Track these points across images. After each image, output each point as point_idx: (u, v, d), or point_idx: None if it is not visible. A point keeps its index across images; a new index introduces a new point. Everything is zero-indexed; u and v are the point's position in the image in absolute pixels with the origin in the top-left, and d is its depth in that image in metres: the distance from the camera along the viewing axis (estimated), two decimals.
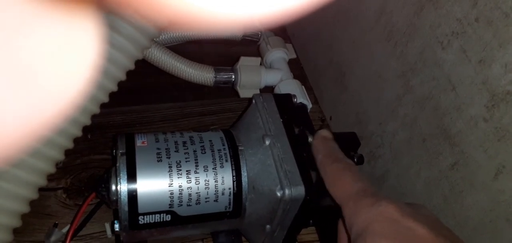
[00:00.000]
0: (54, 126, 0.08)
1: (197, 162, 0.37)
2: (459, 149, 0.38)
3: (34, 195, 0.28)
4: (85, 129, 0.31)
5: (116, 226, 0.36)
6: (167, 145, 0.37)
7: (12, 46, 0.07)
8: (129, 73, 0.32)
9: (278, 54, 0.63)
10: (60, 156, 0.29)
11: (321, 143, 0.37)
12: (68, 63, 0.07)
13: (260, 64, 0.61)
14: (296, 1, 0.06)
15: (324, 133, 0.38)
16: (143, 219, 0.35)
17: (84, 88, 0.08)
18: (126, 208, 0.34)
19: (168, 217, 0.36)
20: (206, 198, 0.36)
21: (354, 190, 0.31)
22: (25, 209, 0.28)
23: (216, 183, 0.37)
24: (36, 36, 0.07)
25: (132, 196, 0.34)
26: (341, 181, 0.32)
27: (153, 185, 0.35)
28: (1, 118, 0.07)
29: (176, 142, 0.37)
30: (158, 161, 0.36)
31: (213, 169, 0.37)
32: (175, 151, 0.37)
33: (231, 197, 0.37)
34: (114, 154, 0.37)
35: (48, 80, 0.07)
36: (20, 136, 0.07)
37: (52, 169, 0.28)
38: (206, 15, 0.06)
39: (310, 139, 0.39)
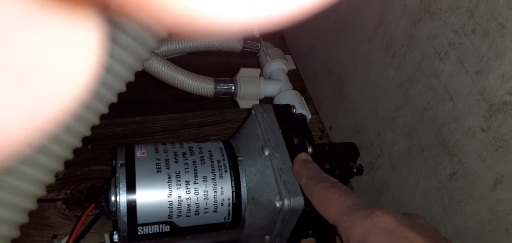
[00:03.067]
0: (53, 128, 0.08)
1: (197, 173, 0.37)
2: (457, 158, 0.38)
3: (33, 206, 0.28)
4: (86, 140, 0.31)
5: (115, 237, 0.36)
6: (167, 155, 0.37)
7: (12, 45, 0.07)
8: (129, 84, 0.32)
9: (278, 65, 0.64)
10: (60, 167, 0.29)
11: (302, 167, 0.37)
12: (68, 64, 0.08)
13: (260, 75, 0.62)
14: (293, 6, 0.07)
15: (303, 156, 0.38)
16: (142, 229, 0.35)
17: (84, 90, 0.08)
18: (125, 219, 0.34)
19: (167, 228, 0.36)
20: (205, 209, 0.36)
21: (345, 205, 0.31)
22: (24, 219, 0.28)
23: (215, 194, 0.37)
24: (37, 36, 0.07)
25: (131, 206, 0.34)
26: (330, 200, 0.32)
27: (152, 196, 0.35)
28: (1, 116, 0.07)
29: (175, 153, 0.38)
30: (157, 172, 0.36)
31: (212, 179, 0.37)
32: (174, 162, 0.37)
33: (230, 207, 0.37)
34: (113, 164, 0.37)
35: (47, 81, 0.07)
36: (18, 136, 0.07)
37: (51, 180, 0.28)
38: (206, 21, 0.06)
39: (309, 149, 0.40)
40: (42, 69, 0.07)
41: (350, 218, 0.30)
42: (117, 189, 0.34)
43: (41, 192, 0.28)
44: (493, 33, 0.33)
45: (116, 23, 0.28)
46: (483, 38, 0.34)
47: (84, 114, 0.29)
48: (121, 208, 0.34)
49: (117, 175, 0.35)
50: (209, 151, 0.39)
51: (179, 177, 0.36)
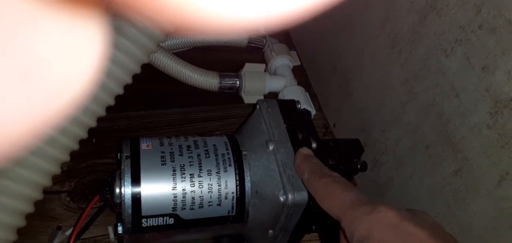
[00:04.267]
0: (58, 123, 0.08)
1: (201, 166, 0.37)
2: (462, 155, 0.38)
3: (39, 195, 0.28)
4: (90, 132, 0.31)
5: (120, 229, 0.36)
6: (172, 148, 0.37)
7: (18, 42, 0.07)
8: (135, 78, 0.32)
9: (283, 61, 0.64)
10: (65, 157, 0.29)
11: (304, 161, 0.37)
12: (73, 60, 0.08)
13: (265, 70, 0.62)
14: (300, 6, 0.06)
15: (305, 150, 0.38)
16: (147, 222, 0.35)
17: (87, 86, 0.08)
18: (130, 211, 0.34)
19: (171, 220, 0.36)
20: (209, 202, 0.36)
21: (349, 200, 0.31)
22: (30, 209, 0.28)
23: (219, 187, 0.37)
24: (42, 32, 0.07)
25: (136, 198, 0.34)
26: (333, 195, 0.32)
27: (157, 188, 0.35)
28: (7, 112, 0.07)
29: (180, 146, 0.38)
30: (162, 164, 0.36)
31: (216, 173, 0.37)
32: (179, 155, 0.37)
33: (234, 201, 0.37)
34: (119, 157, 0.37)
35: (53, 76, 0.07)
36: (25, 131, 0.07)
37: (57, 170, 0.29)
38: (212, 18, 0.06)
39: (314, 145, 0.40)
40: (48, 65, 0.07)
41: (353, 213, 0.30)
42: (122, 181, 0.34)
43: (47, 182, 0.28)
44: (500, 30, 0.33)
45: (122, 15, 0.28)
46: (490, 34, 0.34)
47: (90, 105, 0.29)
48: (125, 200, 0.34)
49: (122, 167, 0.35)
50: (214, 145, 0.39)
51: (184, 170, 0.36)
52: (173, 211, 0.35)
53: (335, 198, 0.32)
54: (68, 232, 0.43)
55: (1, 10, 0.07)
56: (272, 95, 0.61)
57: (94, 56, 0.08)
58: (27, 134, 0.07)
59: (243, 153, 0.39)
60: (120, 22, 0.28)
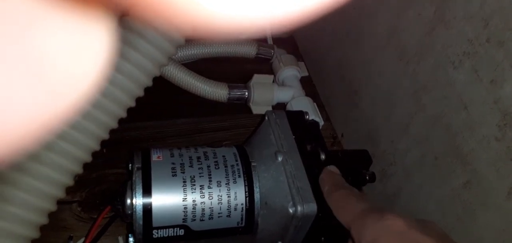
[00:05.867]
0: (61, 124, 0.08)
1: (211, 177, 0.37)
2: (471, 167, 0.38)
3: (53, 207, 0.29)
4: (101, 144, 0.32)
5: (130, 240, 0.36)
6: (182, 160, 0.38)
7: (24, 41, 0.07)
8: (145, 89, 0.33)
9: (291, 72, 0.64)
10: (79, 169, 0.30)
11: (328, 176, 0.38)
12: (79, 60, 0.08)
13: (273, 81, 0.62)
14: (304, 6, 0.07)
15: (332, 168, 0.39)
16: (157, 233, 0.35)
17: (94, 87, 0.08)
18: (141, 222, 0.35)
19: (181, 232, 0.36)
20: (219, 213, 0.37)
21: (360, 209, 0.32)
22: (44, 220, 0.28)
23: (229, 198, 0.37)
24: (49, 32, 0.07)
25: (147, 210, 0.35)
26: (346, 205, 0.34)
27: (167, 200, 0.35)
28: (12, 111, 0.07)
29: (190, 157, 0.38)
30: (173, 176, 0.36)
31: (226, 184, 0.37)
32: (189, 166, 0.37)
33: (244, 212, 0.38)
34: (130, 168, 0.38)
35: (59, 76, 0.07)
36: (29, 131, 0.08)
37: (71, 182, 0.29)
38: (220, 20, 0.06)
39: (322, 156, 0.40)
40: (54, 65, 0.07)
41: (362, 221, 0.30)
42: (133, 192, 0.35)
43: (61, 194, 0.29)
44: (508, 43, 0.33)
45: (135, 29, 0.28)
46: (498, 47, 0.34)
47: (104, 118, 0.29)
48: (137, 211, 0.35)
49: (133, 178, 0.36)
50: (223, 156, 0.39)
51: (194, 181, 0.36)
52: (183, 222, 0.36)
53: (347, 207, 0.33)
54: (79, 242, 0.44)
55: (7, 9, 0.07)
56: (280, 106, 0.61)
57: (101, 57, 0.08)
58: (31, 135, 0.08)
59: (252, 164, 0.40)
60: (132, 37, 0.29)
